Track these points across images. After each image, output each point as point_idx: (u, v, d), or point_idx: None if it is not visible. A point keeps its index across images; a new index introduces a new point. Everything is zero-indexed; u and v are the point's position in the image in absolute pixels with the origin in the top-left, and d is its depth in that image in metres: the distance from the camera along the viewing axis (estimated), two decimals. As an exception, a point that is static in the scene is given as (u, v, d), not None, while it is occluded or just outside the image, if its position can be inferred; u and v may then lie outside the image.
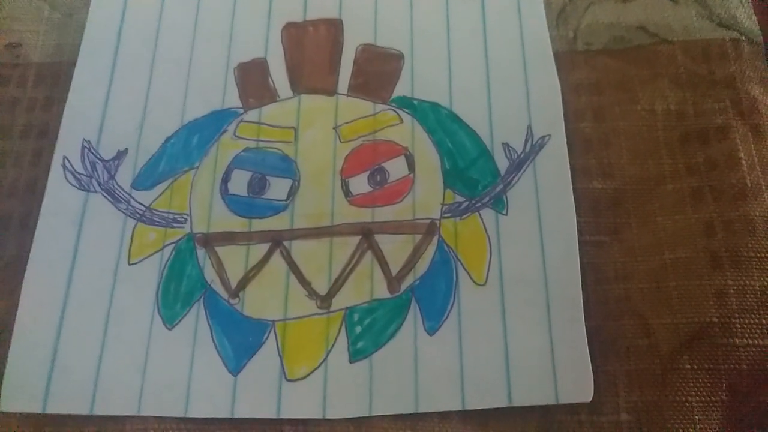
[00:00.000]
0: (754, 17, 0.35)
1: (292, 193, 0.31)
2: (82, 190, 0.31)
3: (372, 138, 0.32)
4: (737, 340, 0.28)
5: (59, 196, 0.31)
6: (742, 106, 0.32)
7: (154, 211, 0.31)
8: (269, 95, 0.34)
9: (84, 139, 0.32)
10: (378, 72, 0.34)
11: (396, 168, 0.32)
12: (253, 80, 0.34)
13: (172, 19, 0.35)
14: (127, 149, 0.32)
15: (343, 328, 0.29)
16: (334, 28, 0.35)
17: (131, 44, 0.35)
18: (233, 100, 0.33)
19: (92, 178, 0.32)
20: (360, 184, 0.31)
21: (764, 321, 0.28)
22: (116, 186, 0.31)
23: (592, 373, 0.27)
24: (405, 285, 0.30)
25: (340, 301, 0.29)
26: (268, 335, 0.29)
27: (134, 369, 0.28)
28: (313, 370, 0.28)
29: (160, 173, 0.32)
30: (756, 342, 0.28)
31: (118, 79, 0.34)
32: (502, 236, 0.30)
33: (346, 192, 0.31)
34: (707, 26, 0.35)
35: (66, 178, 0.31)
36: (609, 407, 0.27)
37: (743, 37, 0.34)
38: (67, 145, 0.32)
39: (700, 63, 0.34)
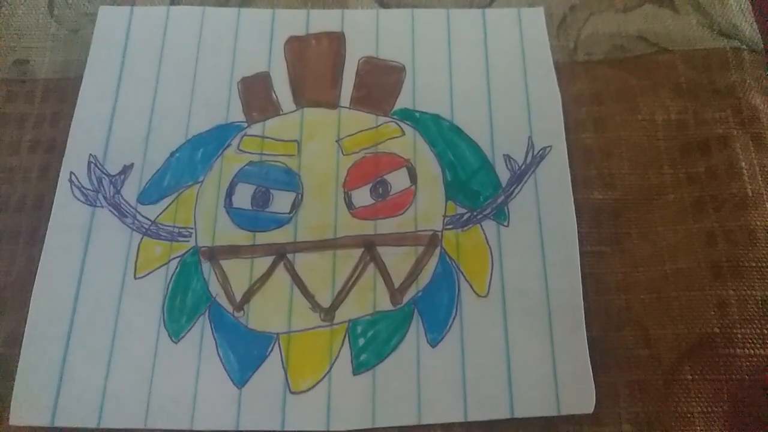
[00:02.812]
0: (755, 26, 0.35)
1: (296, 206, 0.32)
2: (89, 205, 0.32)
3: (374, 150, 0.33)
4: (738, 351, 0.28)
5: (66, 211, 0.31)
6: (743, 115, 0.32)
7: (160, 225, 0.31)
8: (272, 109, 0.34)
9: (90, 155, 0.33)
10: (380, 84, 0.34)
11: (398, 180, 0.32)
12: (256, 94, 0.34)
13: (176, 35, 0.36)
14: (132, 164, 0.33)
15: (347, 340, 0.29)
16: (336, 41, 0.36)
17: (136, 60, 0.35)
18: (237, 114, 0.34)
19: (98, 193, 0.32)
20: (362, 197, 0.32)
21: (765, 331, 0.28)
22: (122, 200, 0.32)
23: (593, 384, 0.28)
24: (407, 297, 0.30)
25: (344, 313, 0.30)
26: (273, 348, 0.29)
27: (141, 382, 0.28)
28: (317, 383, 0.28)
29: (165, 187, 0.32)
30: (757, 352, 0.28)
31: (123, 94, 0.34)
32: (503, 247, 0.30)
33: (349, 204, 0.32)
34: (708, 35, 0.35)
35: (73, 194, 0.32)
36: (611, 418, 0.28)
37: (744, 46, 0.34)
38: (73, 161, 0.32)
39: (700, 72, 0.34)
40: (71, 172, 0.32)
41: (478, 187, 0.32)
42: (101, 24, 0.36)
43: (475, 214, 0.31)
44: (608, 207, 0.31)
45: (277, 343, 0.29)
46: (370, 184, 0.32)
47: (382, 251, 0.31)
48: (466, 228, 0.31)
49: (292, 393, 0.28)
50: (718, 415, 0.27)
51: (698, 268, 0.29)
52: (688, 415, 0.27)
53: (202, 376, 0.29)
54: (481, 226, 0.31)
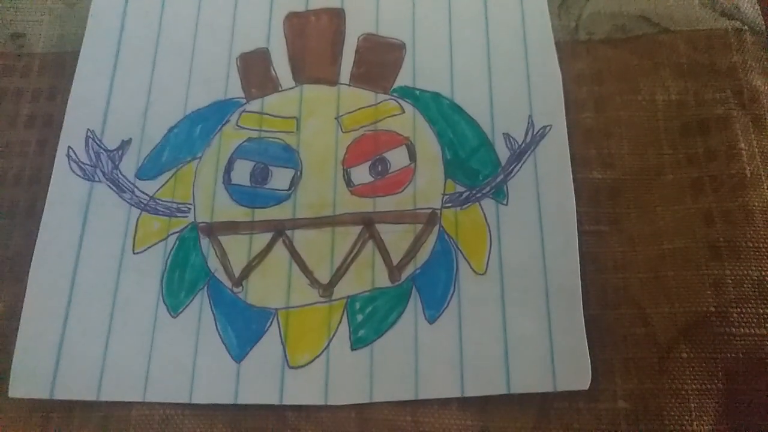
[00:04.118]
0: (757, 7, 0.34)
1: (295, 182, 0.32)
2: (87, 179, 0.32)
3: (373, 128, 0.33)
4: (734, 330, 0.28)
5: (64, 186, 0.31)
6: (743, 96, 0.32)
7: (158, 201, 0.31)
8: (271, 85, 0.34)
9: (88, 129, 0.33)
10: (380, 62, 0.34)
11: (397, 158, 0.32)
12: (255, 70, 0.34)
13: (174, 9, 0.35)
14: (131, 139, 0.33)
15: (345, 316, 0.29)
16: (336, 17, 0.35)
17: (134, 34, 0.35)
18: (236, 90, 0.34)
19: (96, 168, 0.32)
20: (361, 174, 0.32)
21: (761, 310, 0.28)
22: (120, 176, 0.32)
23: (589, 361, 0.28)
24: (406, 274, 0.30)
25: (342, 289, 0.30)
26: (271, 323, 0.29)
27: (140, 356, 0.29)
28: (315, 358, 0.29)
29: (163, 163, 0.32)
30: (752, 331, 0.28)
31: (121, 69, 0.34)
32: (502, 226, 0.31)
33: (348, 182, 0.32)
34: (710, 16, 0.34)
35: (71, 168, 0.32)
36: (606, 395, 0.28)
37: (746, 27, 0.34)
38: (71, 136, 0.32)
39: (701, 53, 0.34)
40: (69, 147, 0.32)
41: (477, 165, 0.32)
42: (98, -3, 0.35)
43: (474, 192, 0.31)
44: (607, 186, 0.31)
45: (275, 318, 0.29)
46: (370, 162, 0.32)
47: (381, 228, 0.31)
48: (465, 206, 0.31)
49: (291, 368, 0.28)
50: (712, 393, 0.27)
51: (695, 247, 0.30)
52: (683, 393, 0.27)
53: (200, 351, 0.29)
54: (480, 204, 0.31)
